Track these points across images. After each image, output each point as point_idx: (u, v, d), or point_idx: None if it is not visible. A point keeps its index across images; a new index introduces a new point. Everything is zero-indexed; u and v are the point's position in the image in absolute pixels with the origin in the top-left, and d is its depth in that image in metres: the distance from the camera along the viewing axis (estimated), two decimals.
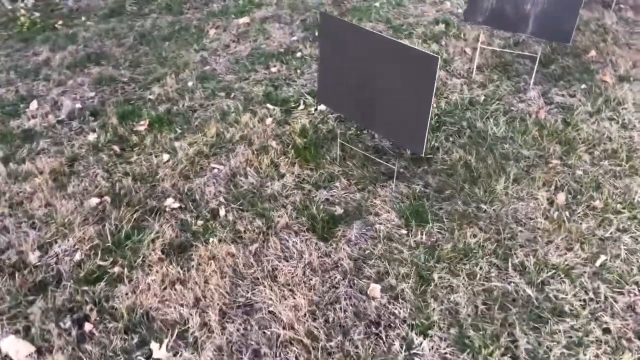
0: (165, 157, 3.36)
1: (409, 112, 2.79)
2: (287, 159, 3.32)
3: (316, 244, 2.76)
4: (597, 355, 2.21)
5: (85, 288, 2.55)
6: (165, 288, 2.53)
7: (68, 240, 2.78)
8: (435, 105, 3.71)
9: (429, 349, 2.25)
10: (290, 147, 3.42)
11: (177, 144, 3.48)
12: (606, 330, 2.31)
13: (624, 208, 2.92)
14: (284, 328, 2.36)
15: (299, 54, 4.54)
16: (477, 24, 4.09)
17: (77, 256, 2.71)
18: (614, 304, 2.42)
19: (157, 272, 2.60)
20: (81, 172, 3.25)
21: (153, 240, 2.79)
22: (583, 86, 3.97)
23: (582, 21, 4.81)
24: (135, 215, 2.93)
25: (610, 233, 2.77)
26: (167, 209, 3.00)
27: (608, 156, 3.30)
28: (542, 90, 3.94)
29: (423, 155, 2.99)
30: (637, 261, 2.62)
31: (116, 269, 2.64)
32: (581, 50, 4.42)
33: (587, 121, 3.60)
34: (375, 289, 2.50)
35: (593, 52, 4.37)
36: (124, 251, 2.74)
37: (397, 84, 2.78)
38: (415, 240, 2.75)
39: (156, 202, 3.04)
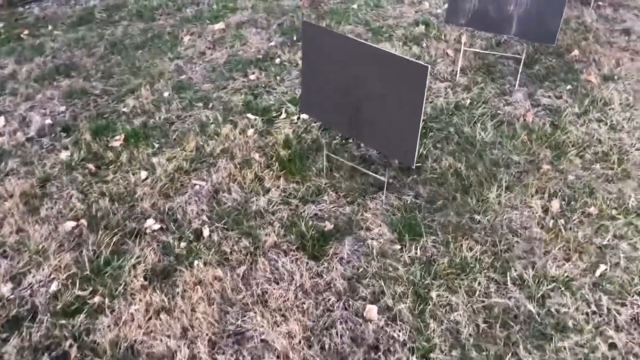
0: (144, 174, 3.20)
1: (398, 123, 2.68)
2: (271, 172, 3.19)
3: (307, 263, 2.64)
4: None
5: (64, 322, 2.39)
6: (149, 318, 2.39)
7: (43, 269, 2.62)
8: None
9: None
10: (274, 159, 3.29)
11: (155, 159, 3.32)
12: (612, 346, 2.24)
13: (619, 214, 2.86)
14: (278, 357, 2.24)
15: (277, 60, 4.41)
16: (460, 26, 4.00)
17: (54, 287, 2.54)
18: (617, 316, 2.35)
19: (140, 300, 2.46)
20: (54, 194, 3.08)
21: (134, 266, 2.63)
22: (568, 87, 3.92)
23: (563, 19, 4.76)
24: (114, 239, 2.77)
25: (608, 241, 2.71)
26: (148, 231, 2.85)
27: (599, 159, 3.24)
28: (528, 92, 3.88)
29: (413, 165, 2.89)
30: (637, 269, 2.55)
31: (96, 299, 2.48)
32: (564, 49, 4.38)
33: (576, 123, 3.54)
34: (371, 310, 2.39)
35: (576, 51, 4.32)
36: (103, 279, 2.58)
37: (385, 94, 2.68)
38: (409, 256, 2.65)
39: (136, 223, 2.89)
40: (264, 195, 3.05)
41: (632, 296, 2.43)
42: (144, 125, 3.65)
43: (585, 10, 5.00)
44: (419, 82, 2.48)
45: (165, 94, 3.98)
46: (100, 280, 2.57)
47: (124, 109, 3.82)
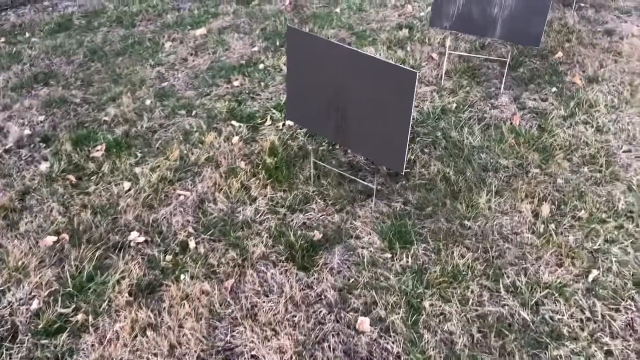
0: (127, 185, 3.12)
1: (386, 128, 2.64)
2: (258, 181, 3.13)
3: (296, 274, 2.58)
4: None
5: (45, 341, 2.31)
6: (135, 336, 2.31)
7: (23, 286, 2.52)
8: None
9: None
10: (260, 167, 3.23)
11: (138, 169, 3.24)
12: (608, 353, 2.21)
13: (609, 217, 2.84)
14: None
15: (261, 66, 4.35)
16: (444, 29, 3.98)
17: (35, 304, 2.45)
18: (612, 322, 2.33)
19: (125, 317, 2.38)
20: (34, 207, 2.99)
21: (119, 281, 2.55)
22: (554, 89, 3.91)
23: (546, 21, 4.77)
24: (97, 254, 2.69)
25: (599, 245, 2.69)
26: (132, 244, 2.77)
27: (587, 162, 3.23)
28: (514, 95, 3.87)
29: (402, 172, 2.85)
30: (630, 274, 2.53)
31: (79, 317, 2.40)
32: (548, 51, 4.38)
33: (562, 126, 3.53)
34: (364, 322, 2.34)
35: (560, 53, 4.33)
36: (87, 295, 2.50)
37: (373, 99, 2.63)
38: (401, 265, 2.61)
39: (119, 236, 2.81)
40: (250, 205, 2.99)
41: (626, 301, 2.41)
42: (126, 134, 3.57)
43: (567, 12, 5.01)
44: (408, 87, 2.44)
45: (147, 102, 3.90)
46: (83, 297, 2.49)
47: (105, 118, 3.73)
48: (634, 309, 2.38)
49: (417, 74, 2.39)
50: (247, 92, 4.02)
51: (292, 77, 2.98)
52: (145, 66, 4.37)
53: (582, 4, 5.15)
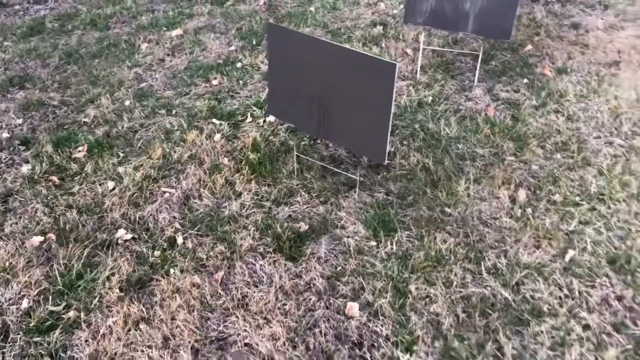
0: (111, 184, 3.14)
1: (367, 121, 2.71)
2: (242, 176, 3.17)
3: (285, 265, 2.63)
4: (581, 354, 2.21)
5: (38, 339, 2.32)
6: (129, 330, 2.34)
7: (12, 287, 2.53)
8: None
9: None
10: (243, 163, 3.27)
11: (121, 169, 3.26)
12: (586, 327, 2.31)
13: (582, 200, 2.96)
14: None
15: (239, 64, 4.39)
16: (417, 25, 4.07)
17: (25, 304, 2.46)
18: (588, 298, 2.44)
19: (117, 312, 2.40)
20: (18, 209, 2.98)
21: (108, 278, 2.57)
22: (525, 81, 4.04)
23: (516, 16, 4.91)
24: (85, 252, 2.70)
25: (574, 227, 2.81)
26: (120, 242, 2.79)
27: (559, 149, 3.35)
28: (487, 87, 3.99)
29: (384, 163, 2.92)
30: (604, 252, 2.65)
31: (71, 314, 2.41)
32: (518, 45, 4.51)
33: (535, 115, 3.66)
34: (353, 307, 2.41)
35: (530, 46, 4.47)
36: (77, 293, 2.51)
37: (354, 93, 2.70)
38: (386, 251, 2.68)
39: (106, 234, 2.83)
40: (236, 200, 3.03)
41: (601, 278, 2.53)
42: (107, 134, 3.58)
43: (535, 6, 5.17)
44: (388, 79, 2.52)
45: (127, 103, 3.90)
46: (73, 295, 2.50)
47: (85, 120, 3.73)
48: (609, 284, 2.50)
49: (397, 65, 2.47)
50: (226, 90, 4.06)
51: (273, 72, 3.03)
52: (123, 67, 4.37)
53: None
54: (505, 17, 3.70)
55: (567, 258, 2.63)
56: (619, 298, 2.45)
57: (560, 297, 2.45)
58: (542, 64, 4.25)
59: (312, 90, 2.83)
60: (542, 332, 2.30)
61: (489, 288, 2.50)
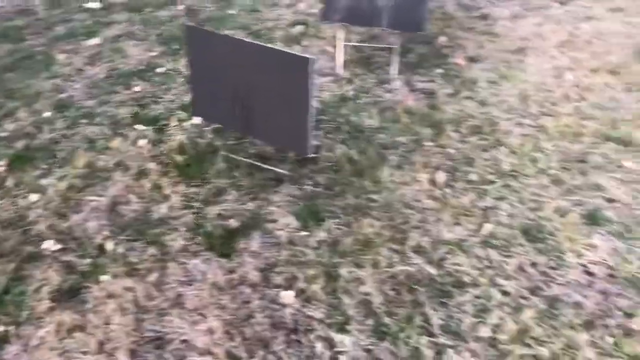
0: (34, 197, 3.07)
1: (289, 116, 2.80)
2: (169, 179, 3.18)
3: (218, 261, 2.67)
4: (502, 318, 2.37)
5: None
6: (62, 338, 2.31)
7: None
8: None
9: (352, 344, 2.27)
10: (170, 166, 3.28)
11: (44, 181, 3.19)
12: (505, 293, 2.48)
13: (497, 178, 3.16)
14: (201, 354, 2.26)
15: (160, 70, 4.37)
16: (335, 22, 4.20)
17: None
18: (506, 267, 2.61)
19: (49, 322, 2.37)
20: None
21: (37, 290, 2.53)
22: (440, 71, 4.25)
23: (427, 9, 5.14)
24: (11, 266, 2.64)
25: (490, 203, 2.99)
26: (47, 253, 2.74)
27: (474, 132, 3.55)
28: (405, 79, 4.16)
29: (308, 155, 3.01)
30: (518, 224, 2.85)
31: (0, 329, 2.36)
32: (432, 37, 4.72)
33: (449, 103, 3.85)
34: (287, 296, 2.48)
35: (443, 38, 4.69)
36: (5, 308, 2.46)
37: (274, 90, 2.78)
38: (317, 240, 2.77)
39: (33, 247, 2.77)
40: (164, 202, 3.04)
41: (516, 247, 2.71)
42: (27, 147, 3.49)
43: (447, 0, 5.42)
44: (304, 73, 2.61)
45: (46, 114, 3.82)
46: (2, 310, 2.45)
47: (2, 134, 3.62)
48: (523, 252, 2.69)
49: (314, 59, 2.56)
50: (149, 96, 4.04)
51: (195, 74, 3.06)
52: (39, 79, 4.26)
53: None
54: (418, 11, 3.89)
55: (484, 232, 2.81)
56: (533, 264, 2.64)
57: (480, 268, 2.62)
58: (455, 54, 4.47)
59: (234, 89, 2.88)
60: (465, 301, 2.45)
61: (414, 266, 2.63)
